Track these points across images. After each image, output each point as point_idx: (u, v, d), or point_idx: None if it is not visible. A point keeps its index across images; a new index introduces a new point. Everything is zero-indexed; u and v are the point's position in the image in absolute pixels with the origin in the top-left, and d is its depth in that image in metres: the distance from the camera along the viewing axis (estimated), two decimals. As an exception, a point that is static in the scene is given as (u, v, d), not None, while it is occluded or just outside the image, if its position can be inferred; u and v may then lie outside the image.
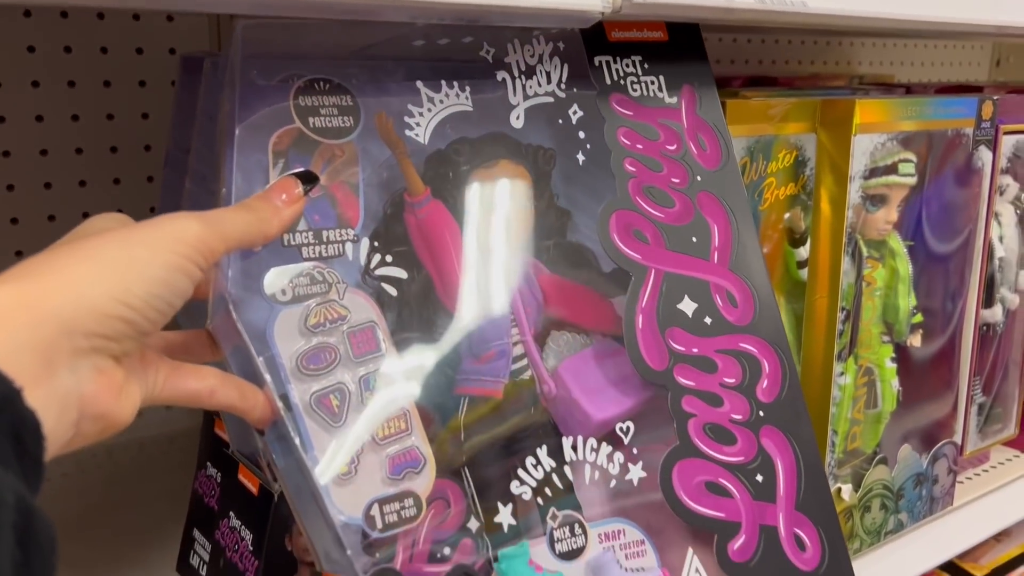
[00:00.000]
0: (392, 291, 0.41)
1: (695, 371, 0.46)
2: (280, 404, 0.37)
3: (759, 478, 0.46)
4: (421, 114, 0.42)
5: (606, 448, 0.44)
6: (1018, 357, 0.76)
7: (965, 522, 0.70)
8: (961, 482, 0.73)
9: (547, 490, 0.42)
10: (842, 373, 0.58)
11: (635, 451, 0.44)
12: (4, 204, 0.69)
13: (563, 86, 0.46)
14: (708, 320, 0.47)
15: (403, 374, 0.40)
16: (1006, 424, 0.77)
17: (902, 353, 0.62)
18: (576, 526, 0.43)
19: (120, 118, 0.72)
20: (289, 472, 0.38)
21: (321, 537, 0.38)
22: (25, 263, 0.29)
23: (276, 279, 0.38)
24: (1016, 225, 0.73)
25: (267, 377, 0.36)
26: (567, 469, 0.43)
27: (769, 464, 0.47)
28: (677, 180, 0.49)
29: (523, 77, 0.45)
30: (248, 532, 0.49)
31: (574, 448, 0.43)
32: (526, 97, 0.45)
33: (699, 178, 0.49)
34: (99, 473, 0.74)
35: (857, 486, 0.60)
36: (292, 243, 0.39)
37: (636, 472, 0.44)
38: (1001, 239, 0.72)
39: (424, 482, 0.39)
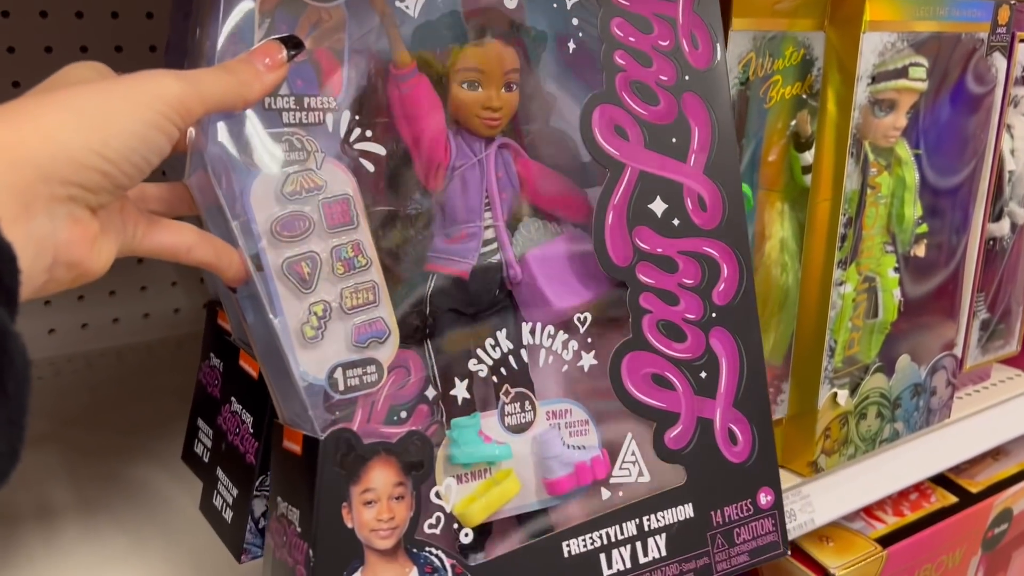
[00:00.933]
0: (370, 166, 0.41)
1: (656, 270, 0.48)
2: (252, 267, 0.38)
3: (703, 375, 0.49)
4: (412, -12, 0.41)
5: (562, 335, 0.46)
6: (1025, 275, 0.75)
7: (961, 436, 0.70)
8: (960, 398, 0.73)
9: (502, 370, 0.44)
10: (843, 282, 0.58)
11: (589, 340, 0.46)
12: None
13: (561, -32, 0.45)
14: (676, 222, 0.48)
15: (374, 248, 0.41)
16: (1008, 341, 0.78)
17: (905, 263, 0.62)
18: (527, 402, 0.45)
19: (124, 17, 0.69)
20: (257, 328, 0.40)
21: (285, 393, 0.40)
22: (2, 108, 0.29)
23: (257, 143, 0.38)
24: (1029, 138, 0.71)
25: (241, 240, 0.37)
26: (523, 352, 0.45)
27: (714, 362, 0.50)
28: (665, 78, 0.49)
29: (521, -45, 0.44)
30: (248, 415, 0.51)
31: (532, 333, 0.45)
32: (522, -23, 0.44)
33: (687, 77, 0.49)
34: (109, 372, 0.76)
35: (854, 393, 0.61)
36: (273, 107, 0.38)
37: (588, 360, 0.46)
38: (1013, 152, 0.71)
39: (387, 352, 0.41)
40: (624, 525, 0.46)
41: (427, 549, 0.40)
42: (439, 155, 0.45)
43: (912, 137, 0.60)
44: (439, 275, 0.45)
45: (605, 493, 0.46)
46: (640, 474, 0.47)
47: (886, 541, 0.71)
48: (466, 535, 0.42)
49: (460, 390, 0.43)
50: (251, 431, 0.51)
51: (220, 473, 0.53)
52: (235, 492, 0.51)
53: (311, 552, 0.38)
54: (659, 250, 0.48)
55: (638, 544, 0.47)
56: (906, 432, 0.66)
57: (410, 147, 0.44)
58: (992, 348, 0.77)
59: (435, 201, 0.45)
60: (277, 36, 0.37)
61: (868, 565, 0.68)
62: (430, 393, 0.43)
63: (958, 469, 0.80)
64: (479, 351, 0.44)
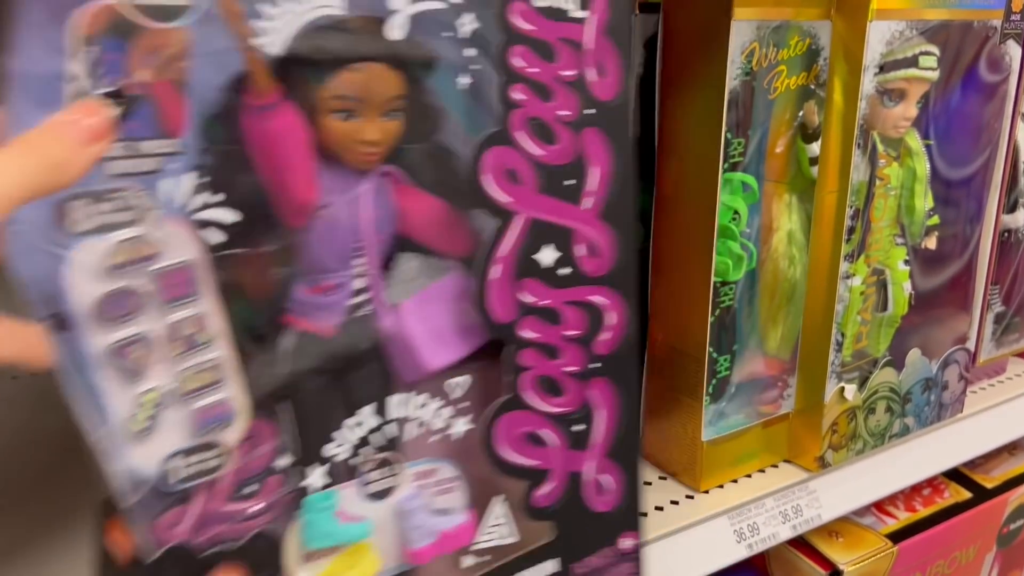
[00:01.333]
0: (219, 235, 0.35)
1: (540, 323, 0.45)
2: (69, 358, 0.32)
3: (578, 428, 0.47)
4: (277, 17, 0.34)
5: (434, 403, 0.42)
6: (1041, 267, 0.74)
7: (975, 430, 0.68)
8: (974, 392, 0.72)
9: (363, 450, 0.40)
10: (851, 275, 0.56)
11: (463, 405, 0.43)
12: None
13: (459, -11, 0.39)
14: (565, 271, 0.45)
15: (220, 315, 0.36)
16: (1023, 335, 0.76)
17: (916, 256, 0.61)
18: (391, 467, 0.42)
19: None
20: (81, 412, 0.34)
21: (111, 476, 0.35)
22: None
23: (74, 204, 0.31)
24: (1044, 127, 0.69)
25: (53, 332, 0.31)
26: (390, 427, 0.41)
27: (590, 415, 0.48)
28: (566, 112, 0.44)
29: (413, -27, 0.37)
30: None
31: (401, 404, 0.41)
32: (412, 0, 0.38)
33: (589, 111, 0.44)
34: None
35: (862, 387, 0.60)
36: (97, 155, 0.32)
37: (461, 425, 0.43)
38: None
39: (233, 434, 0.36)
40: (486, 590, 0.45)
41: (272, 650, 0.37)
42: (304, 194, 0.39)
43: (923, 127, 0.58)
44: (298, 331, 0.40)
45: (468, 560, 0.45)
46: (507, 535, 0.46)
47: (897, 537, 0.69)
48: (316, 626, 0.39)
49: (316, 477, 0.39)
50: None
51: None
52: None
53: (136, 678, 0.34)
54: (546, 302, 0.45)
55: (499, 606, 0.45)
56: (917, 427, 0.65)
57: (269, 187, 0.38)
58: (1007, 342, 0.75)
59: (296, 246, 0.40)
60: (102, 91, 0.30)
61: (878, 561, 0.67)
62: (283, 462, 0.39)
63: (973, 464, 0.78)
64: (337, 433, 0.39)
